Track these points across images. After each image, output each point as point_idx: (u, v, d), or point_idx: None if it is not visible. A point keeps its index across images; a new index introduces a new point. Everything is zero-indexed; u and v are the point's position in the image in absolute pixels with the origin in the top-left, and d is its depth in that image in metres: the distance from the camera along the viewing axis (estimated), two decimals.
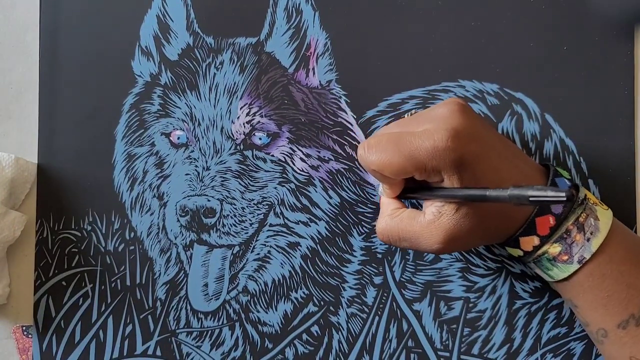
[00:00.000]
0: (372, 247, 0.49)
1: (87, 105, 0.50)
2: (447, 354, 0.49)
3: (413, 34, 0.49)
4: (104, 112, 0.50)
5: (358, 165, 0.49)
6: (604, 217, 0.41)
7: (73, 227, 0.50)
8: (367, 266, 0.49)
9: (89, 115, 0.50)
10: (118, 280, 0.50)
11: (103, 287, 0.50)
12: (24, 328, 0.50)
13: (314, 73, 0.50)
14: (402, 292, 0.49)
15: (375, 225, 0.48)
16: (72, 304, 0.50)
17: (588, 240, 0.40)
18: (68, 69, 0.51)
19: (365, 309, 0.49)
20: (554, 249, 0.40)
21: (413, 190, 0.43)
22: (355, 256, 0.49)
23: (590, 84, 0.48)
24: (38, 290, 0.50)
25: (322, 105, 0.50)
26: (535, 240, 0.40)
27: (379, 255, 0.49)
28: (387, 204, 0.44)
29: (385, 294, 0.49)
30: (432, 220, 0.40)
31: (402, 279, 0.49)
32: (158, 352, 0.50)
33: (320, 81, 0.50)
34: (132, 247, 0.50)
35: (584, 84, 0.48)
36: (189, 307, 0.50)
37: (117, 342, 0.50)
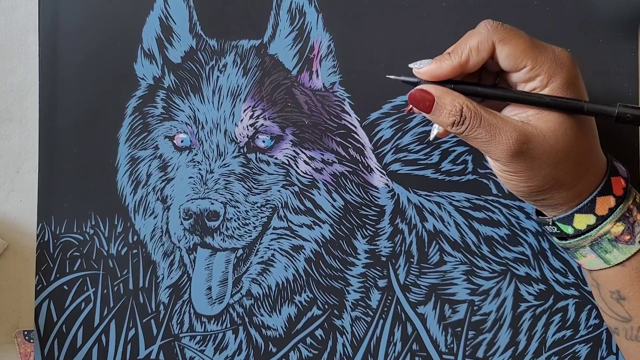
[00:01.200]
0: (376, 250, 0.49)
1: (89, 107, 0.50)
2: (452, 357, 0.49)
3: (416, 36, 0.49)
4: (106, 115, 0.50)
5: (362, 168, 0.49)
6: None
7: (75, 230, 0.50)
8: (372, 269, 0.49)
9: (91, 117, 0.50)
10: (121, 284, 0.50)
11: (105, 291, 0.50)
12: (26, 333, 0.50)
13: (317, 75, 0.49)
14: (407, 295, 0.49)
15: (378, 227, 0.48)
16: (74, 308, 0.50)
17: None
18: (69, 71, 0.50)
19: (370, 312, 0.49)
20: (617, 228, 0.40)
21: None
22: (359, 259, 0.49)
23: (594, 85, 0.48)
24: (39, 294, 0.50)
25: (326, 107, 0.49)
26: (612, 201, 0.40)
27: (383, 259, 0.49)
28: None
29: (390, 297, 0.49)
30: (519, 123, 0.39)
31: (406, 282, 0.49)
32: (161, 357, 0.50)
33: (323, 83, 0.49)
34: (135, 251, 0.50)
35: (588, 85, 0.48)
36: (192, 311, 0.50)
37: (120, 347, 0.50)
